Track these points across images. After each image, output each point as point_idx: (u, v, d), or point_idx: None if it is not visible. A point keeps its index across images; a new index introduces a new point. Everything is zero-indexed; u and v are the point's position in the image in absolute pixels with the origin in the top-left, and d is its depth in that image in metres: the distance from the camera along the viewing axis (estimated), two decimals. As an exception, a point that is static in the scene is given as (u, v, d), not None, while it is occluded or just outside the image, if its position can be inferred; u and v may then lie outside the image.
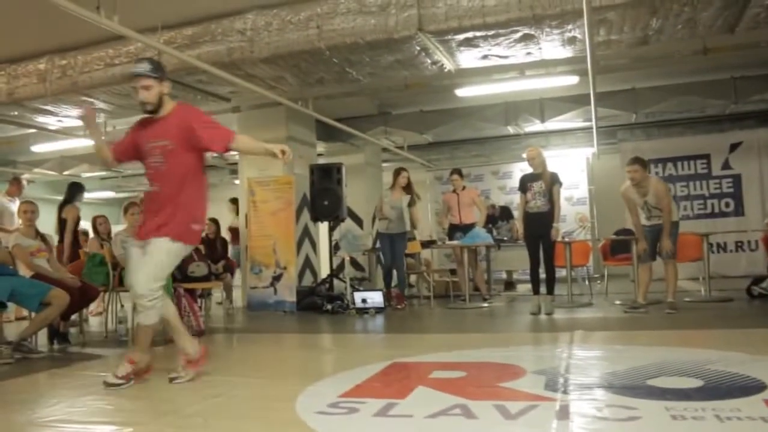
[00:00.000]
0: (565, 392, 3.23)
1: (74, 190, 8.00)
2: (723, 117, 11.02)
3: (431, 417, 2.85)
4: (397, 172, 8.57)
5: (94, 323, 7.90)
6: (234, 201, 10.15)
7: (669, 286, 6.81)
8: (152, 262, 3.76)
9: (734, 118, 11.03)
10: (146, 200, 4.04)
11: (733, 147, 10.92)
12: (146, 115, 3.90)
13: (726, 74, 9.33)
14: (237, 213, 9.96)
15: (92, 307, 7.71)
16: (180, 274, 6.90)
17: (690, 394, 3.09)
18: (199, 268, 7.10)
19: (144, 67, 3.79)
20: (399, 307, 8.23)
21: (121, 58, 7.25)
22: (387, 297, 8.19)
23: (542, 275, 7.04)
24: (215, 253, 8.93)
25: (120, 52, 7.24)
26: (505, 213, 10.53)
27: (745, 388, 3.14)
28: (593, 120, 9.33)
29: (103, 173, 14.41)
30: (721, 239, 10.49)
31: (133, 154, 4.01)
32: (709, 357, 3.97)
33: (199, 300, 7.63)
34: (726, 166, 10.97)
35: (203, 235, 9.00)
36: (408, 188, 8.43)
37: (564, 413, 2.86)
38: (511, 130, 11.06)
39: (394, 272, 8.47)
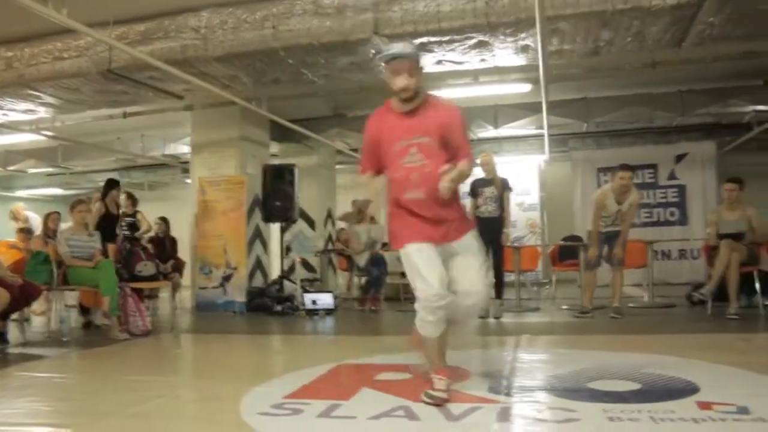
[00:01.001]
0: (508, 395, 3.28)
1: (105, 186, 7.73)
2: (670, 129, 11.32)
3: (374, 418, 2.87)
4: (366, 204, 8.69)
5: (37, 323, 7.70)
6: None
7: (615, 292, 6.97)
8: (479, 264, 3.38)
9: (680, 130, 11.33)
10: (409, 208, 3.31)
11: (679, 158, 11.23)
12: (385, 109, 3.39)
13: (673, 87, 9.58)
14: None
15: (35, 306, 7.51)
16: (127, 273, 6.79)
17: (627, 396, 3.17)
18: (146, 268, 6.99)
19: (409, 49, 3.26)
20: (374, 308, 8.34)
21: (71, 51, 7.09)
22: (362, 302, 8.45)
23: (491, 279, 7.11)
24: (164, 253, 8.80)
25: (69, 46, 7.08)
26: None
27: (680, 390, 3.23)
28: (545, 128, 9.48)
29: (50, 169, 14.05)
30: (665, 247, 10.76)
31: (379, 160, 3.43)
32: (648, 361, 4.08)
33: (146, 300, 7.52)
34: (672, 176, 11.28)
35: (153, 234, 8.89)
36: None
37: (505, 415, 2.90)
38: (464, 135, 11.13)
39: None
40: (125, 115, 9.37)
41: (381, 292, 8.70)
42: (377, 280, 8.56)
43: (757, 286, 6.79)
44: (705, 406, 2.90)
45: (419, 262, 3.19)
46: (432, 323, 3.19)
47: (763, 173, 11.12)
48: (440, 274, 3.16)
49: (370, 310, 8.28)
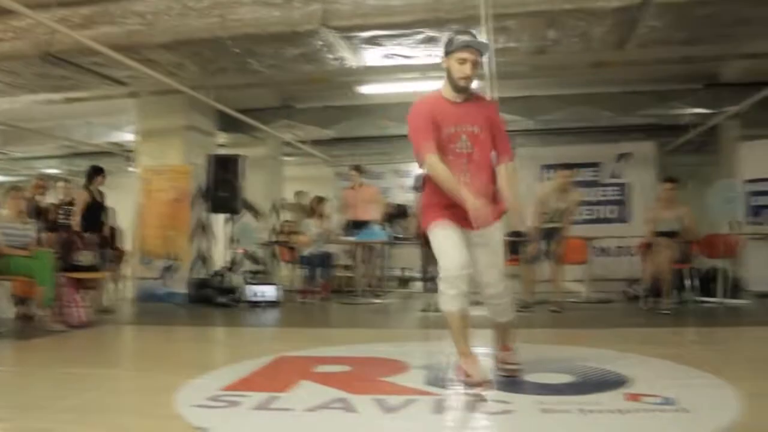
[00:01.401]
0: (445, 387, 3.32)
1: (89, 173, 7.52)
2: (613, 128, 11.55)
3: (311, 410, 2.87)
4: (320, 201, 8.83)
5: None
6: None
7: (555, 287, 7.10)
8: (501, 254, 3.50)
9: (624, 130, 11.58)
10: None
11: (621, 157, 11.48)
12: (435, 96, 3.47)
13: (617, 88, 9.79)
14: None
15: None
16: (64, 263, 6.62)
17: (561, 388, 3.25)
18: (85, 257, 6.83)
19: (483, 42, 3.42)
20: (323, 297, 8.48)
21: (9, 33, 6.86)
22: (305, 294, 8.41)
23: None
24: (105, 242, 8.61)
25: (8, 27, 6.85)
26: (403, 211, 10.66)
27: (611, 382, 3.33)
28: (492, 124, 9.56)
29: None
30: (605, 244, 11.00)
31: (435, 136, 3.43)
32: (584, 354, 4.19)
33: (85, 290, 7.34)
34: (614, 174, 11.51)
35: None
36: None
37: (441, 407, 2.94)
38: (413, 130, 11.17)
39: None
40: (67, 101, 9.11)
41: (328, 280, 8.81)
42: (324, 272, 8.66)
43: (689, 282, 7.02)
44: (633, 397, 2.99)
45: (443, 238, 3.36)
46: (453, 296, 3.28)
47: (699, 174, 11.48)
48: (462, 250, 3.31)
49: (320, 299, 8.39)
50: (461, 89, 3.38)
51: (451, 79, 3.38)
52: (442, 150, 3.36)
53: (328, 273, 8.81)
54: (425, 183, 3.54)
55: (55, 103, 9.29)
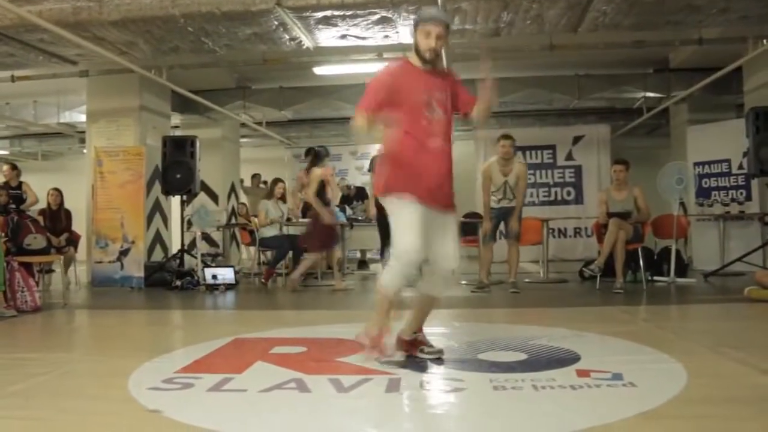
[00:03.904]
0: (399, 366, 3.34)
1: (320, 155, 7.56)
2: (568, 111, 11.73)
3: (265, 391, 2.87)
4: (275, 182, 8.80)
5: None
6: None
7: (512, 267, 7.17)
8: (457, 236, 3.59)
9: (578, 113, 11.78)
10: (425, 156, 3.40)
11: (576, 140, 11.66)
12: (404, 62, 3.53)
13: (571, 71, 9.92)
14: None
15: None
16: (15, 247, 6.47)
17: (513, 366, 3.30)
18: (36, 241, 6.68)
19: (444, 14, 3.52)
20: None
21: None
22: (266, 276, 8.26)
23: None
24: (58, 225, 8.44)
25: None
26: (361, 193, 10.67)
27: (562, 360, 3.40)
28: (449, 106, 9.61)
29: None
30: (561, 225, 11.19)
31: (387, 103, 3.42)
32: (538, 333, 4.27)
33: (37, 275, 7.18)
34: (569, 157, 11.69)
35: (45, 206, 8.51)
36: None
37: (394, 386, 2.96)
38: (370, 111, 11.17)
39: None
40: (13, 79, 8.83)
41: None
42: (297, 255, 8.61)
43: (641, 262, 7.18)
44: (583, 373, 3.06)
45: (412, 218, 3.33)
46: (403, 277, 3.37)
47: (651, 156, 11.74)
48: (420, 234, 3.32)
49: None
50: (427, 62, 3.43)
51: (418, 52, 3.43)
52: (414, 115, 3.39)
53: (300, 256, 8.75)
54: (389, 148, 3.52)
55: (1, 81, 9.00)
